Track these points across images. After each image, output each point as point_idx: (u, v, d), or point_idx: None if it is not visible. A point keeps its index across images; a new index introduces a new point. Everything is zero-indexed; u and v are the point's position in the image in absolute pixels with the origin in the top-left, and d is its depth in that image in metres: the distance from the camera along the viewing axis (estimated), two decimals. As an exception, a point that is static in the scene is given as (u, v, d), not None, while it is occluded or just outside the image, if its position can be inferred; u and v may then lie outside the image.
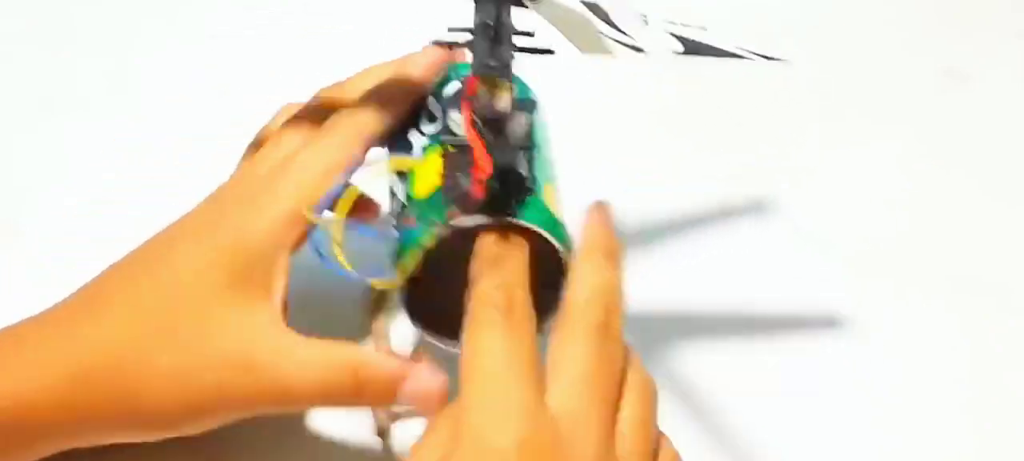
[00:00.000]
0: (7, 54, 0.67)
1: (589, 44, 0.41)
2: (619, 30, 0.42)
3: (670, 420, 0.48)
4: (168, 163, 0.59)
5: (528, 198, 0.41)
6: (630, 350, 0.39)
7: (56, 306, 0.43)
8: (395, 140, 0.46)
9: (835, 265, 0.57)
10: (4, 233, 0.55)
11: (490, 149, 0.40)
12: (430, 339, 0.44)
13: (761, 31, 0.75)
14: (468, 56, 0.42)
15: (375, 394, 0.42)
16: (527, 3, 0.41)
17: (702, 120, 0.66)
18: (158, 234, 0.44)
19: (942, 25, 0.75)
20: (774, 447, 0.48)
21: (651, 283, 0.54)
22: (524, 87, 0.47)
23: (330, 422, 0.48)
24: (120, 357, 0.41)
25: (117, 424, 0.42)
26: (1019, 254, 0.58)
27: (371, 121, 0.44)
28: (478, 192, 0.39)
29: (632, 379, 0.38)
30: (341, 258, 0.39)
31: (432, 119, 0.45)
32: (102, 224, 0.55)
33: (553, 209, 0.42)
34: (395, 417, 0.47)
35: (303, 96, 0.48)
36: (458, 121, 0.42)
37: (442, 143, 0.42)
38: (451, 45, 0.42)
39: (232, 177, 0.46)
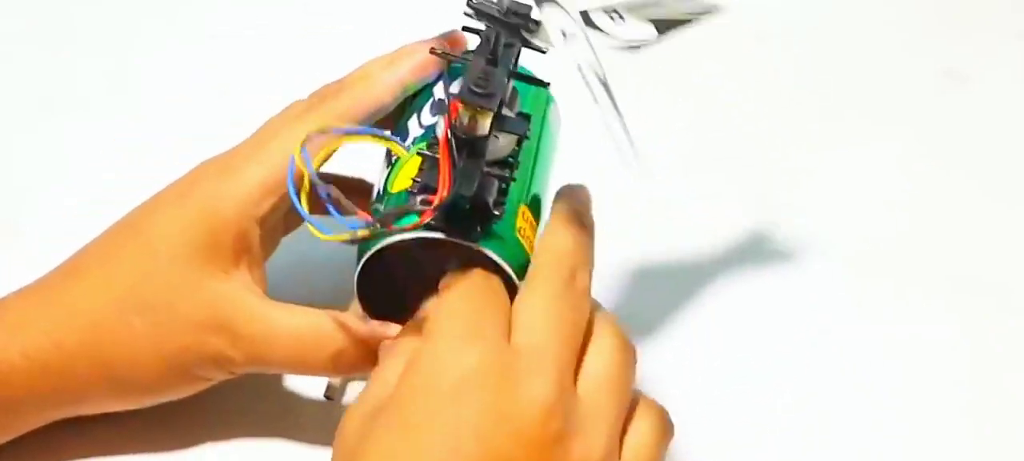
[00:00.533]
0: (7, 54, 0.67)
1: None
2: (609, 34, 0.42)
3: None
4: (168, 163, 0.59)
5: (492, 224, 0.41)
6: (607, 313, 0.39)
7: (38, 279, 0.44)
8: (400, 122, 0.46)
9: (835, 265, 0.57)
10: (4, 233, 0.55)
11: (454, 174, 0.39)
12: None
13: (760, 31, 0.75)
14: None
15: (351, 358, 0.42)
16: (526, 36, 0.41)
17: (702, 120, 0.66)
18: (138, 205, 0.45)
19: (942, 26, 0.75)
20: (773, 448, 0.48)
21: (649, 282, 0.54)
22: (535, 98, 0.46)
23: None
24: (95, 322, 0.42)
25: (96, 390, 0.43)
26: (1019, 254, 0.58)
27: (354, 106, 0.45)
28: (427, 214, 0.39)
29: (602, 335, 0.38)
30: (305, 205, 0.39)
31: (433, 110, 0.45)
32: (102, 224, 0.54)
33: (520, 233, 0.42)
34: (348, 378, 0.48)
35: (304, 96, 0.48)
36: (427, 121, 0.43)
37: (428, 143, 0.42)
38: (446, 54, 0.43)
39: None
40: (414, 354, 0.36)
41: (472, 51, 0.42)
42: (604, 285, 0.54)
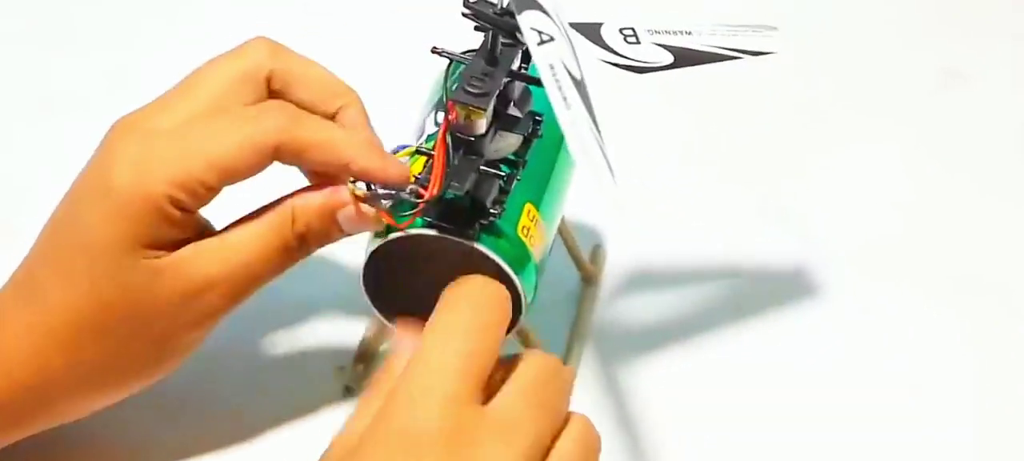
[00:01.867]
0: (7, 54, 0.67)
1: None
2: (615, 52, 0.42)
3: (671, 419, 0.49)
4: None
5: (492, 221, 0.41)
6: (579, 414, 0.38)
7: (21, 270, 0.43)
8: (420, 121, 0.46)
9: (834, 264, 0.57)
10: (2, 233, 0.55)
11: (448, 171, 0.40)
12: (384, 321, 0.44)
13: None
14: None
15: (317, 228, 0.42)
16: (522, 38, 0.41)
17: (700, 120, 0.66)
18: (70, 188, 0.44)
19: (942, 26, 0.75)
20: (775, 447, 0.48)
21: (648, 281, 0.54)
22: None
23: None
24: (73, 338, 0.42)
25: (90, 394, 0.43)
26: (1019, 254, 0.58)
27: (285, 141, 0.41)
28: (418, 210, 0.40)
29: (576, 424, 0.37)
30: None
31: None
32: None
33: (523, 231, 0.42)
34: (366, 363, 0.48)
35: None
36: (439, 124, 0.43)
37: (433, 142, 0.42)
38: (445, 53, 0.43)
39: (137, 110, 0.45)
40: (386, 400, 0.35)
41: (474, 51, 0.42)
42: (604, 284, 0.54)
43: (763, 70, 0.71)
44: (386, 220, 0.41)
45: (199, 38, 0.70)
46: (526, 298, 0.42)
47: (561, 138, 0.45)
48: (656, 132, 0.65)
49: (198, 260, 0.41)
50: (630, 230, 0.57)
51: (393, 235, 0.41)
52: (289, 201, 0.42)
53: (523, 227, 0.42)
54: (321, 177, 0.43)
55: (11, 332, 0.42)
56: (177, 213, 0.41)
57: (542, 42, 0.37)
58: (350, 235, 0.43)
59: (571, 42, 0.39)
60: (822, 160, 0.64)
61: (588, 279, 0.53)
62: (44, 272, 0.43)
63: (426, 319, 0.38)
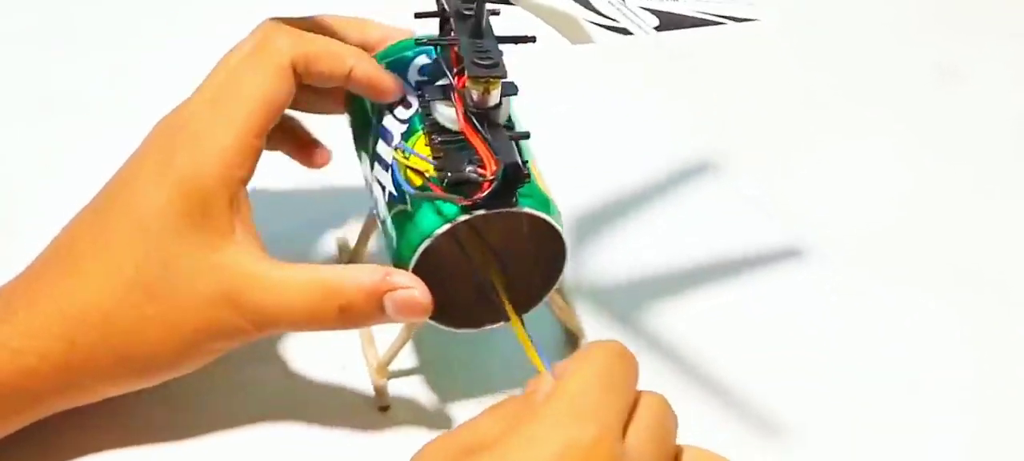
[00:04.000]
0: (6, 54, 0.68)
1: (574, 34, 0.41)
2: (600, 13, 0.42)
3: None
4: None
5: (524, 185, 0.42)
6: (654, 392, 0.39)
7: (35, 264, 0.44)
8: (372, 124, 0.46)
9: (831, 260, 0.57)
10: (1, 232, 0.55)
11: (493, 146, 0.41)
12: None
13: (756, 27, 0.75)
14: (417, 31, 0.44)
15: (360, 307, 0.42)
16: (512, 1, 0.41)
17: (697, 117, 0.66)
18: (119, 172, 0.45)
19: (938, 23, 0.75)
20: (772, 442, 0.48)
21: (647, 278, 0.54)
22: None
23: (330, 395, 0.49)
24: (107, 313, 0.42)
25: (113, 377, 0.43)
26: (1015, 248, 0.58)
27: (297, 52, 0.44)
28: (486, 188, 0.41)
29: (649, 402, 0.38)
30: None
31: (406, 105, 0.45)
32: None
33: (543, 187, 0.44)
34: (387, 374, 0.48)
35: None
36: (447, 115, 0.43)
37: (426, 132, 0.43)
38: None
39: (184, 103, 0.46)
40: (521, 417, 0.36)
41: (441, 36, 0.43)
42: (604, 283, 0.54)
43: (761, 63, 0.71)
44: (458, 201, 0.41)
45: (199, 38, 0.71)
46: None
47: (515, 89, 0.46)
48: (653, 127, 0.65)
49: (244, 279, 0.42)
50: (628, 227, 0.58)
51: (461, 218, 0.41)
52: (343, 273, 0.43)
53: (539, 177, 0.44)
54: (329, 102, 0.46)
55: (44, 302, 0.43)
56: (234, 187, 0.42)
57: None
58: (392, 322, 0.43)
59: None
60: (819, 155, 0.64)
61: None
62: (87, 245, 0.43)
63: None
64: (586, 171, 0.59)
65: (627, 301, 0.53)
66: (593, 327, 0.48)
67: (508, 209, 0.41)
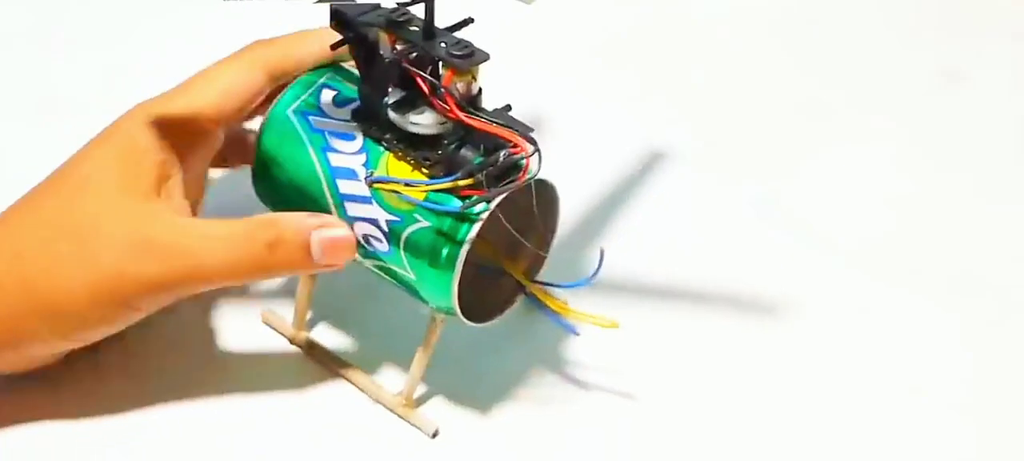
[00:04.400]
0: (6, 54, 0.68)
1: None
2: None
3: (668, 417, 0.49)
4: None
5: None
6: None
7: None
8: (318, 173, 0.45)
9: (831, 263, 0.57)
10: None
11: (510, 129, 0.41)
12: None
13: (757, 28, 0.75)
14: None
15: (287, 252, 0.43)
16: None
17: (698, 118, 0.66)
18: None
19: (939, 25, 0.75)
20: (770, 446, 0.48)
21: (646, 278, 0.54)
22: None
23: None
24: (19, 252, 0.43)
25: (30, 323, 0.43)
26: (1015, 253, 0.58)
27: (276, 56, 0.47)
28: (529, 165, 0.41)
29: None
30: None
31: (346, 138, 0.45)
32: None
33: None
34: (414, 404, 0.48)
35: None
36: (425, 122, 0.43)
37: (397, 151, 0.43)
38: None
39: None
40: None
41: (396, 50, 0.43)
42: (603, 281, 0.54)
43: (762, 68, 0.71)
44: (494, 191, 0.41)
45: (199, 39, 0.71)
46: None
47: None
48: (653, 130, 0.65)
49: (164, 224, 0.43)
50: (628, 226, 0.58)
51: (491, 206, 0.42)
52: (271, 214, 0.44)
53: None
54: None
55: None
56: (166, 152, 0.44)
57: None
58: (318, 268, 0.44)
59: None
60: (820, 159, 0.64)
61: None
62: (25, 198, 0.45)
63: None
64: (584, 175, 0.59)
65: (621, 297, 0.53)
66: (591, 330, 0.48)
67: (521, 182, 0.42)
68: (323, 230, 0.43)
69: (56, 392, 0.47)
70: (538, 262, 0.47)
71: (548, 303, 0.46)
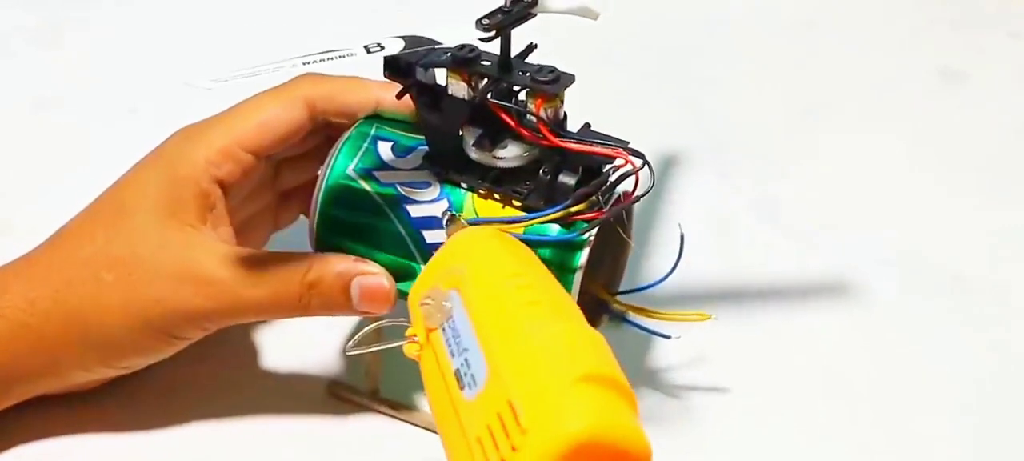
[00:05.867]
0: (6, 54, 0.68)
1: (590, 13, 0.41)
2: None
3: (667, 418, 0.49)
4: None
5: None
6: None
7: (25, 253, 0.45)
8: (395, 228, 0.44)
9: (830, 262, 0.57)
10: (1, 232, 0.55)
11: (606, 148, 0.41)
12: None
13: (757, 29, 0.75)
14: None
15: (327, 293, 0.42)
16: (533, 12, 0.41)
17: (698, 118, 0.66)
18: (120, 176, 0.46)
19: (938, 25, 0.75)
20: (775, 446, 0.48)
21: (646, 278, 0.54)
22: None
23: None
24: (67, 280, 0.43)
25: (71, 351, 0.43)
26: (1015, 252, 0.58)
27: (322, 95, 0.46)
28: (640, 181, 0.41)
29: None
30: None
31: (422, 186, 0.44)
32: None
33: None
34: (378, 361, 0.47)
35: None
36: (514, 154, 0.42)
37: (485, 190, 0.43)
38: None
39: None
40: None
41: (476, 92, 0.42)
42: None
43: (761, 68, 0.71)
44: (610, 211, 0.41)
45: (199, 39, 0.71)
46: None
47: None
48: (654, 130, 0.65)
49: (207, 254, 0.43)
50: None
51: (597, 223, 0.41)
52: (311, 253, 0.44)
53: None
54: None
55: (13, 271, 0.44)
56: (217, 188, 0.44)
57: None
58: (356, 313, 0.43)
59: None
60: (818, 157, 0.64)
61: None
62: (71, 226, 0.45)
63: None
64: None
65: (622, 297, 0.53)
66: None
67: (637, 197, 0.41)
68: (365, 277, 0.42)
69: (92, 409, 0.47)
70: (615, 277, 0.46)
71: (636, 314, 0.45)
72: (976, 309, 0.55)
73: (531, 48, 0.43)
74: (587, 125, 0.43)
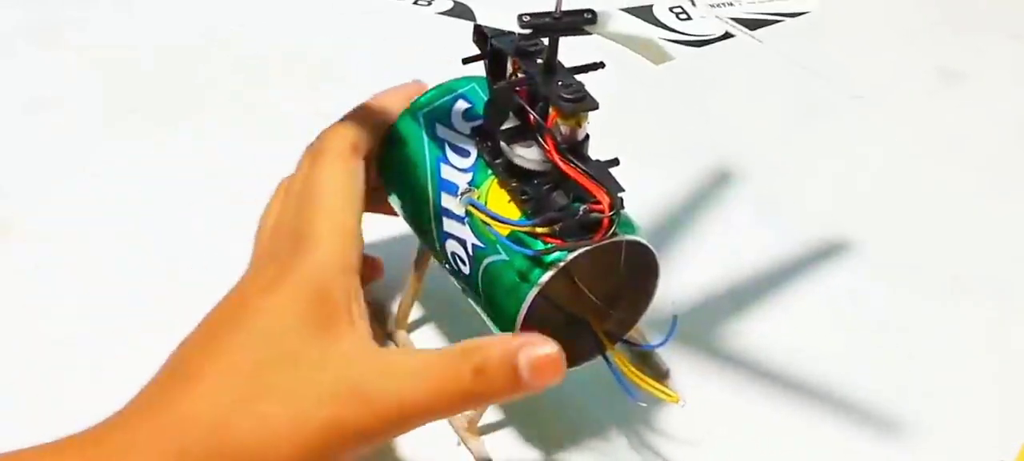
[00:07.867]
0: (6, 54, 0.67)
1: (654, 55, 0.40)
2: (668, 28, 0.42)
3: (666, 420, 0.49)
4: (164, 163, 0.59)
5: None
6: None
7: (146, 388, 0.40)
8: (428, 174, 0.45)
9: (830, 262, 0.57)
10: (1, 232, 0.55)
11: (603, 181, 0.40)
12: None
13: (759, 31, 0.75)
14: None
15: (494, 378, 0.38)
16: (588, 30, 0.41)
17: (698, 119, 0.66)
18: (222, 300, 0.42)
19: (939, 25, 0.75)
20: (771, 443, 0.48)
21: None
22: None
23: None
24: (223, 417, 0.38)
25: None
26: (1015, 251, 0.58)
27: (360, 137, 0.44)
28: (607, 225, 0.39)
29: None
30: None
31: (462, 153, 0.44)
32: (96, 222, 0.55)
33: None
34: (478, 432, 0.47)
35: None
36: (528, 156, 0.42)
37: (500, 178, 0.42)
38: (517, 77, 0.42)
39: (268, 221, 0.45)
40: None
41: (510, 77, 0.42)
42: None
43: (761, 67, 0.71)
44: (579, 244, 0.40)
45: (198, 40, 0.71)
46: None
47: None
48: (654, 130, 0.65)
49: (368, 364, 0.39)
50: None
51: (569, 257, 0.40)
52: (471, 340, 0.40)
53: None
54: None
55: (146, 418, 0.39)
56: (349, 276, 0.41)
57: None
58: (526, 391, 0.39)
59: None
60: (818, 157, 0.64)
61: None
62: (200, 358, 0.40)
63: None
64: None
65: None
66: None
67: (610, 241, 0.40)
68: (530, 349, 0.38)
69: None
70: (626, 325, 0.45)
71: (619, 365, 0.44)
72: (976, 309, 0.55)
73: (597, 66, 0.42)
74: (614, 161, 0.42)
